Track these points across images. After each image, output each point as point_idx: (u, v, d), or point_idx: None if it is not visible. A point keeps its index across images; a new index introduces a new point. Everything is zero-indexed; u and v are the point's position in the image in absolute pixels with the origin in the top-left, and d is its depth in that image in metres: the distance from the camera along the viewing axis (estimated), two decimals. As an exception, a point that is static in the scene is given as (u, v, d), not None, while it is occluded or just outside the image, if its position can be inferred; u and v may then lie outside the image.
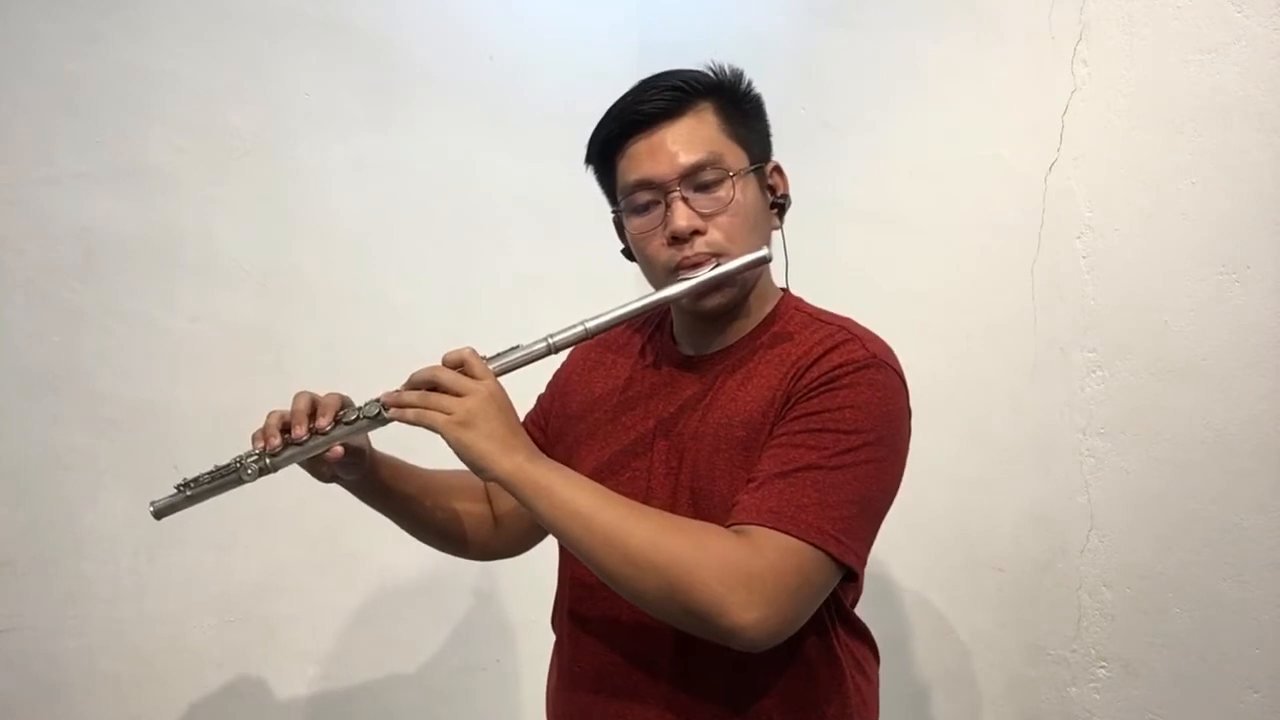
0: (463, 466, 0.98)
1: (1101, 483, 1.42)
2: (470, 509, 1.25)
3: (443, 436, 0.96)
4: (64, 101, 1.61)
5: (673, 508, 1.06)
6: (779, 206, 1.13)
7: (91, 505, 1.61)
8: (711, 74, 1.08)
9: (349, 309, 1.82)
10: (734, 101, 1.09)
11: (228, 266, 1.72)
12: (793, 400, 1.01)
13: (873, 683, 1.13)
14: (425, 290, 1.89)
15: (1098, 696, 1.43)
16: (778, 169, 1.13)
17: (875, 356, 1.02)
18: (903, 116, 1.67)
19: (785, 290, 1.16)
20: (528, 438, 1.00)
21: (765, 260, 1.05)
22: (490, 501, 1.28)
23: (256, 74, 1.75)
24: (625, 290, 2.00)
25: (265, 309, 1.75)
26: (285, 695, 1.77)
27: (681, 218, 1.03)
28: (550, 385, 1.30)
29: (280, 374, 1.74)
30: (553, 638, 1.23)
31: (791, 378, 1.02)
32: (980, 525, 1.56)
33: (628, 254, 1.16)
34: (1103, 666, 1.43)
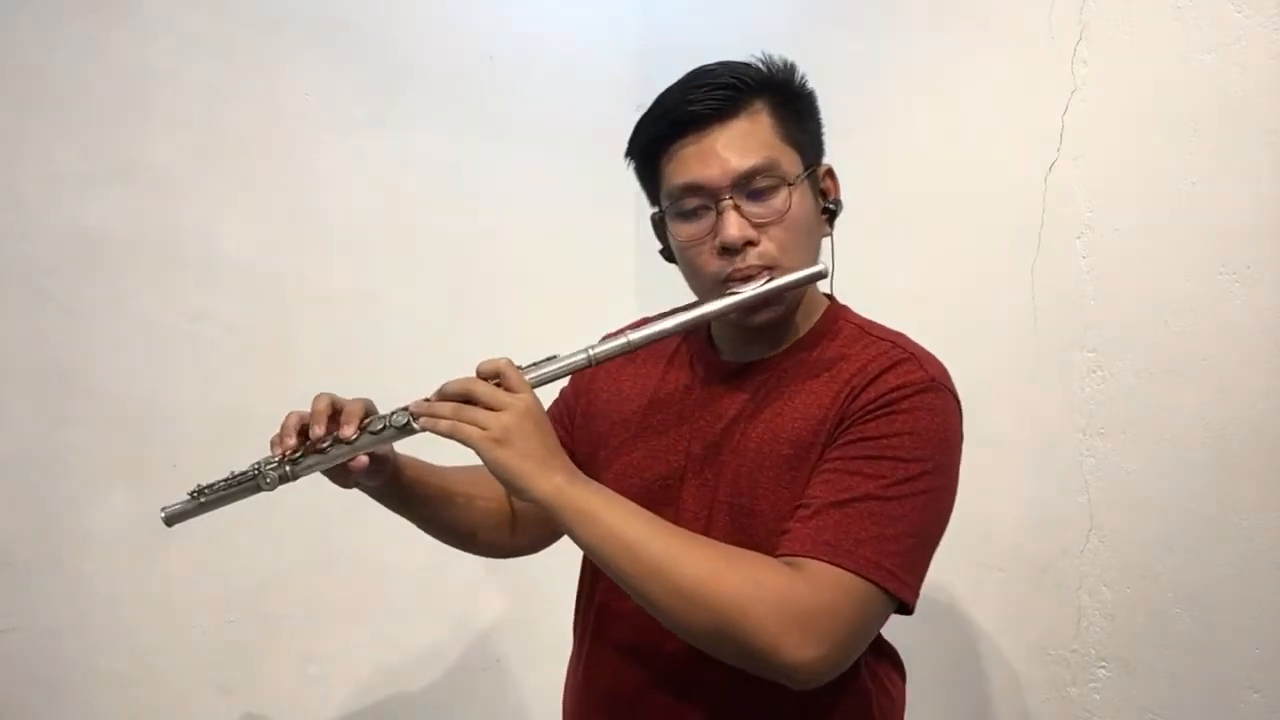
0: (478, 462, 0.96)
1: (1101, 483, 1.42)
2: (489, 509, 1.21)
3: (478, 453, 0.92)
4: (64, 102, 1.61)
5: (707, 522, 1.02)
6: (830, 212, 1.07)
7: (91, 505, 1.61)
8: (764, 68, 1.01)
9: (349, 309, 1.82)
10: (788, 100, 1.02)
11: (228, 266, 1.72)
12: (847, 422, 0.96)
13: (897, 704, 1.11)
14: (425, 290, 1.90)
15: (1098, 696, 1.43)
16: (830, 172, 1.07)
17: (934, 379, 0.97)
18: (903, 116, 1.67)
19: (830, 298, 1.11)
20: (566, 456, 0.96)
21: (822, 276, 0.99)
22: (510, 501, 1.24)
23: (256, 74, 1.75)
24: (624, 290, 2.01)
25: (265, 309, 1.75)
26: (285, 695, 1.77)
27: (734, 228, 0.97)
28: (574, 380, 1.23)
29: (280, 374, 1.74)
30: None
31: (846, 397, 0.97)
32: (980, 525, 1.55)
33: (666, 255, 1.10)
34: (1103, 666, 1.42)
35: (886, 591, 0.90)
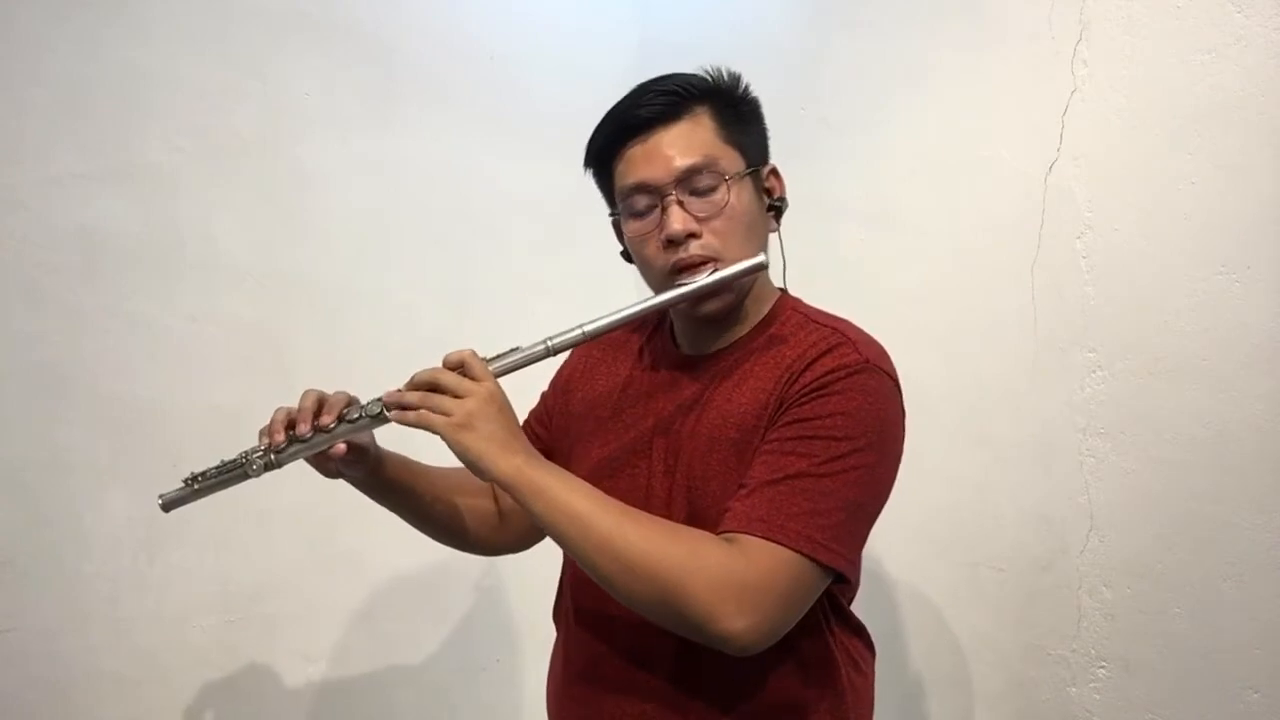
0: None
1: (1101, 483, 1.42)
2: (475, 505, 1.27)
3: (442, 438, 0.97)
4: (65, 102, 1.61)
5: (669, 505, 1.07)
6: (775, 209, 1.14)
7: (91, 505, 1.61)
8: (708, 78, 1.09)
9: (349, 309, 1.82)
10: (730, 105, 1.09)
11: (228, 266, 1.72)
12: (785, 405, 1.02)
13: (867, 677, 1.15)
14: (425, 290, 1.90)
15: (1098, 696, 1.43)
16: (774, 172, 1.14)
17: (867, 361, 1.02)
18: (903, 116, 1.67)
19: (783, 291, 1.17)
20: (526, 440, 1.01)
21: (762, 267, 1.06)
22: (495, 497, 1.29)
23: (256, 74, 1.75)
24: (624, 290, 2.00)
25: (265, 309, 1.75)
26: (285, 695, 1.77)
27: (676, 221, 1.04)
28: (553, 382, 1.30)
29: (280, 374, 1.73)
30: (554, 635, 1.23)
31: (785, 382, 1.03)
32: (980, 525, 1.55)
33: (627, 256, 1.17)
34: (1103, 666, 1.43)
35: (818, 562, 0.95)
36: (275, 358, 1.75)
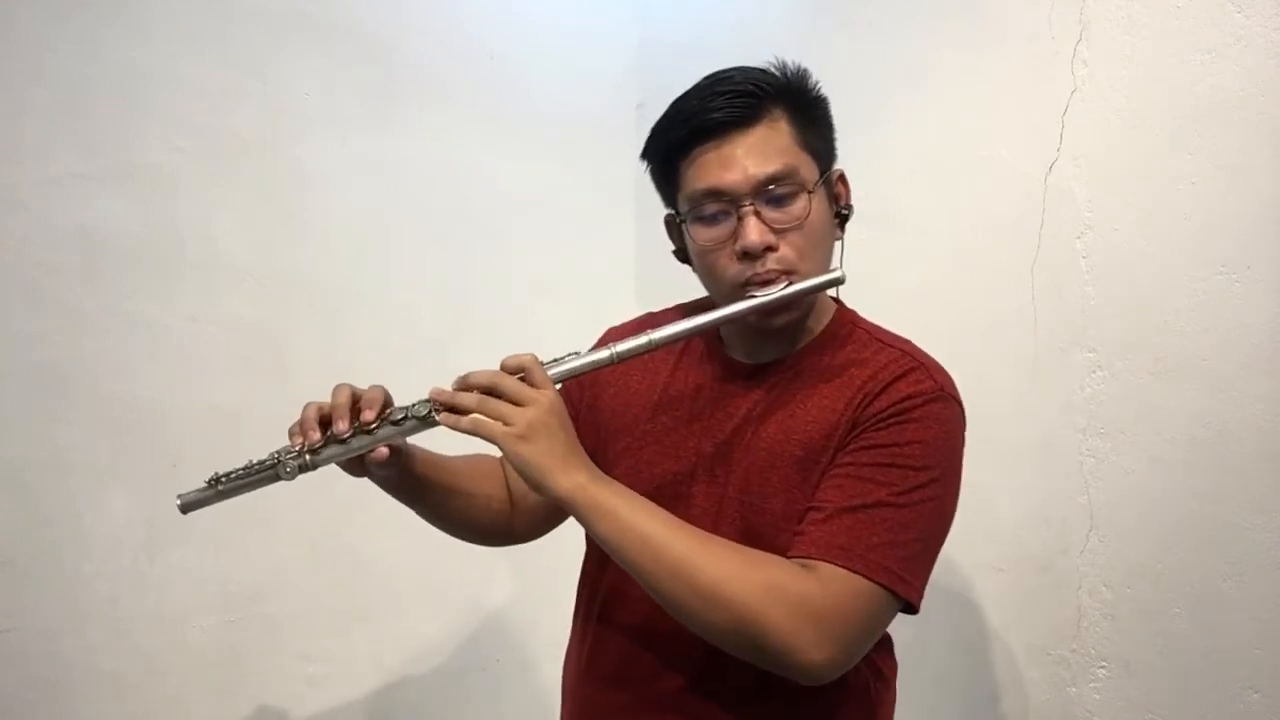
0: (479, 450, 0.96)
1: (1101, 483, 1.42)
2: (491, 500, 1.22)
3: (500, 448, 0.93)
4: (65, 102, 1.60)
5: (717, 516, 1.04)
6: (842, 217, 1.09)
7: (91, 505, 1.61)
8: (778, 74, 1.03)
9: (349, 309, 1.82)
10: (804, 105, 1.04)
11: (228, 266, 1.72)
12: (859, 428, 0.99)
13: (890, 687, 1.13)
14: (425, 290, 1.90)
15: (1098, 696, 1.43)
16: (842, 177, 1.09)
17: (942, 389, 1.01)
18: (903, 116, 1.67)
19: (838, 302, 1.13)
20: (585, 454, 0.97)
21: (840, 281, 1.02)
22: (508, 486, 1.24)
23: (256, 74, 1.75)
24: (625, 291, 2.01)
25: (265, 309, 1.75)
26: (285, 695, 1.77)
27: (754, 233, 0.99)
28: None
29: (280, 374, 1.74)
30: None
31: (858, 405, 1.00)
32: (980, 525, 1.55)
33: (680, 256, 1.12)
34: (1103, 666, 1.43)
35: (894, 594, 0.94)
36: (275, 358, 1.75)
